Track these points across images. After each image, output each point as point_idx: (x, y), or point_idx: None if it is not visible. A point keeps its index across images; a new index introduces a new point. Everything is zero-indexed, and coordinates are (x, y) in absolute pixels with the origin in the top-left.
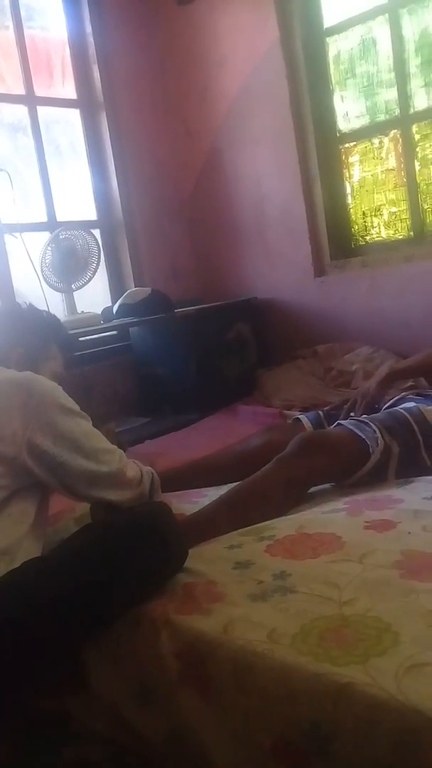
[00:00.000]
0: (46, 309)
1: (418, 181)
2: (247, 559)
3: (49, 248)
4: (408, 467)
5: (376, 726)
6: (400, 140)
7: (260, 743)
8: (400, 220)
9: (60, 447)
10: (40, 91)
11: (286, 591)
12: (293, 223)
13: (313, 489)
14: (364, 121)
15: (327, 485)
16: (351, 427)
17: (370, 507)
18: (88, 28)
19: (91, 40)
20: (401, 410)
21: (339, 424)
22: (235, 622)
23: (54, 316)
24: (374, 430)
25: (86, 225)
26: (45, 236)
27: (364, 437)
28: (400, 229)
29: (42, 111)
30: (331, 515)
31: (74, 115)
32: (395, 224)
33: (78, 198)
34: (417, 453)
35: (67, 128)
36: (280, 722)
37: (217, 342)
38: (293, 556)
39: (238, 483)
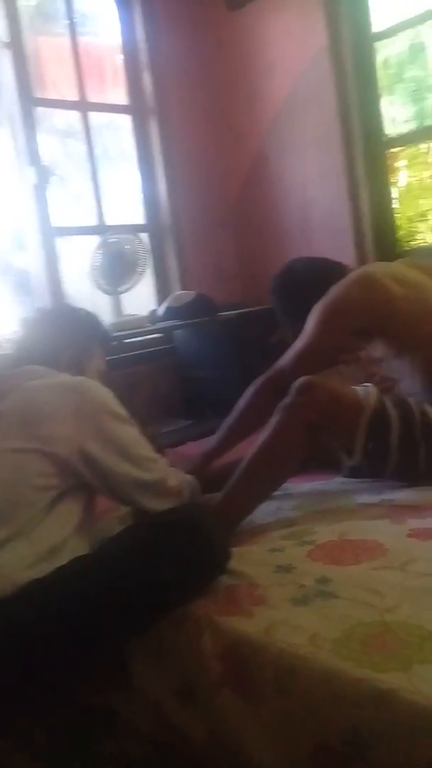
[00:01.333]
0: (89, 310)
1: None
2: (288, 563)
3: (99, 252)
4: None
5: (416, 733)
6: None
7: (300, 746)
8: None
9: (108, 452)
10: (92, 97)
11: (328, 596)
12: (338, 228)
13: (355, 494)
14: (412, 125)
15: (365, 485)
16: None
17: (414, 515)
18: (141, 35)
19: (143, 46)
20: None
21: None
22: (277, 625)
23: (92, 313)
24: (368, 387)
25: (134, 229)
26: (95, 240)
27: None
28: None
29: (93, 116)
30: (374, 522)
31: (125, 121)
32: None
33: (127, 202)
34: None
35: (117, 133)
36: (320, 726)
37: (260, 345)
38: (335, 561)
39: (250, 450)
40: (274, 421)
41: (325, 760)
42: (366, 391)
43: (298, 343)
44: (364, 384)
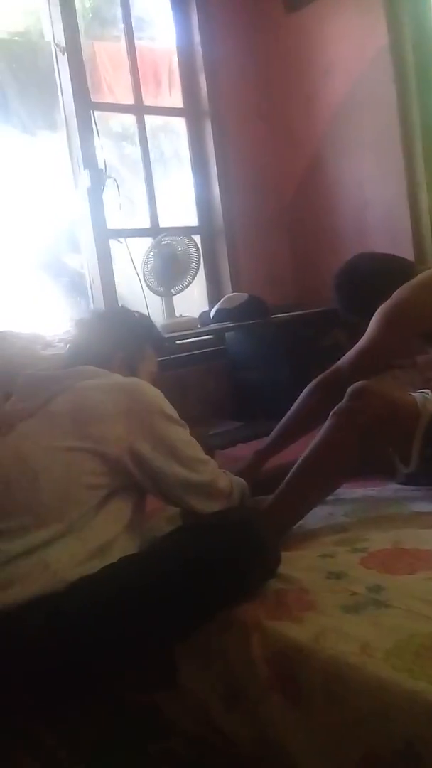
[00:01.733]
0: (142, 312)
1: None
2: (340, 569)
3: (151, 253)
4: None
5: None
6: None
7: (349, 756)
8: None
9: (158, 453)
10: (148, 101)
11: (381, 605)
12: (396, 230)
13: (410, 502)
14: None
15: (421, 492)
16: None
17: None
18: (197, 38)
19: (198, 49)
20: None
21: None
22: (327, 632)
23: (146, 316)
24: (425, 393)
25: (187, 231)
26: (148, 242)
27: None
28: None
29: (149, 120)
30: (429, 531)
31: (180, 124)
32: None
33: (181, 204)
34: None
35: (172, 136)
36: (370, 737)
37: (312, 348)
38: (389, 570)
39: (303, 454)
40: (327, 425)
41: None
42: (423, 396)
43: (360, 343)
44: (422, 390)
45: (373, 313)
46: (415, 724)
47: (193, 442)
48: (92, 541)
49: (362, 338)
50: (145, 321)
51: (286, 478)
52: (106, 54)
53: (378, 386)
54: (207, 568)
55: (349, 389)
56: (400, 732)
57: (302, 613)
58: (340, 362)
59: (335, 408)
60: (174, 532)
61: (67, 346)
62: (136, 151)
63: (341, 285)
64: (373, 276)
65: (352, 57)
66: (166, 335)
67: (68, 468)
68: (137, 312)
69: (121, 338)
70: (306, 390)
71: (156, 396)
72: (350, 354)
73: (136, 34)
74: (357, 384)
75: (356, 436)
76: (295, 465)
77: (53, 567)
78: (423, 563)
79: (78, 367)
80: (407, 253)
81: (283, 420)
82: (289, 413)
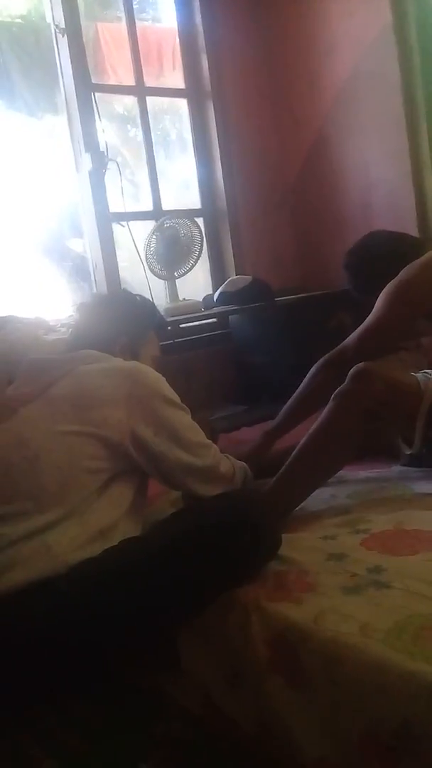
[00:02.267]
0: (144, 295)
1: None
2: (341, 551)
3: (154, 236)
4: None
5: None
6: None
7: (348, 735)
8: None
9: (159, 437)
10: (150, 82)
11: (381, 586)
12: (401, 212)
13: (413, 484)
14: None
15: (423, 474)
16: None
17: None
18: (198, 18)
19: (200, 29)
20: None
21: None
22: (326, 613)
23: (148, 300)
24: (428, 374)
25: (190, 214)
26: (150, 225)
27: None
28: None
29: (150, 101)
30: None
31: (182, 105)
32: None
33: (183, 187)
34: None
35: (174, 118)
36: (369, 717)
37: (317, 331)
38: (390, 551)
39: (304, 437)
40: (329, 407)
41: (374, 751)
42: (426, 376)
43: (366, 322)
44: (425, 371)
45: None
46: (412, 704)
47: (194, 427)
48: (93, 524)
49: (368, 317)
50: (146, 304)
51: (288, 461)
52: (109, 35)
53: (380, 368)
54: (206, 550)
55: (351, 371)
56: (398, 712)
57: (302, 594)
58: (346, 341)
59: (337, 390)
60: (173, 516)
61: (69, 330)
62: (138, 134)
63: (352, 263)
64: (384, 255)
65: (356, 36)
66: (170, 319)
67: (69, 452)
68: (139, 295)
69: (122, 322)
70: (312, 369)
71: (157, 380)
72: (356, 332)
73: (139, 15)
74: (359, 366)
75: (358, 419)
76: (297, 447)
77: (54, 550)
78: (424, 544)
79: (80, 351)
80: (411, 233)
81: (290, 400)
82: (296, 393)
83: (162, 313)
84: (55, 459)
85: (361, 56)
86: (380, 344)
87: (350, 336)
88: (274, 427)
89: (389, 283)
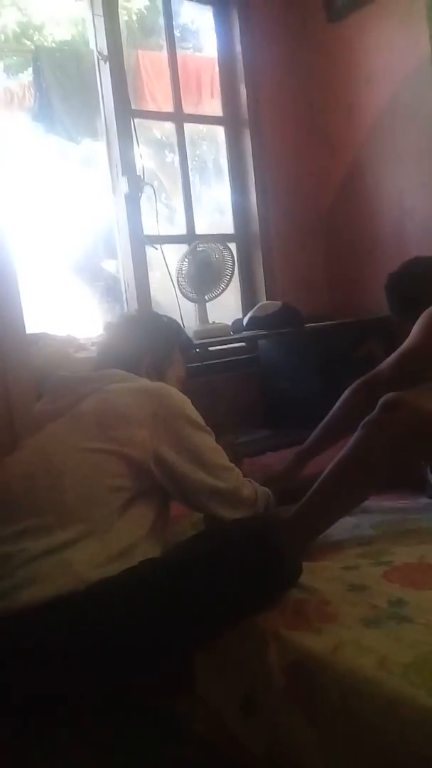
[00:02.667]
0: (174, 317)
1: None
2: (362, 582)
3: (186, 259)
4: None
5: None
6: None
7: None
8: None
9: (182, 458)
10: (189, 109)
11: (402, 620)
12: None
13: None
14: None
15: None
16: None
17: None
18: (238, 47)
19: (239, 58)
20: None
21: None
22: (345, 644)
23: (174, 320)
24: None
25: (223, 238)
26: (184, 248)
27: None
28: None
29: (188, 128)
30: None
31: (219, 132)
32: None
33: (218, 212)
34: None
35: (211, 145)
36: (386, 753)
37: (345, 359)
38: (412, 585)
39: (330, 465)
40: (357, 436)
41: None
42: None
43: (402, 346)
44: None
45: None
46: (430, 742)
47: (218, 449)
48: (114, 544)
49: (405, 341)
50: (173, 325)
51: (313, 488)
52: (149, 62)
53: (410, 397)
54: (226, 575)
55: (382, 400)
56: (415, 749)
57: (322, 624)
58: (381, 365)
59: (365, 419)
60: (192, 540)
61: (98, 349)
62: (176, 159)
63: (393, 285)
64: (425, 278)
65: (394, 67)
66: (199, 342)
67: (92, 469)
68: (166, 316)
69: (149, 342)
70: (347, 392)
71: (183, 401)
72: (392, 357)
73: (181, 44)
74: (389, 395)
75: (386, 449)
76: (322, 475)
77: (74, 567)
78: None
79: (107, 370)
80: None
81: (324, 421)
82: (329, 415)
83: (191, 336)
84: (78, 475)
85: (399, 87)
86: (416, 369)
87: (386, 360)
88: (305, 449)
89: (428, 309)
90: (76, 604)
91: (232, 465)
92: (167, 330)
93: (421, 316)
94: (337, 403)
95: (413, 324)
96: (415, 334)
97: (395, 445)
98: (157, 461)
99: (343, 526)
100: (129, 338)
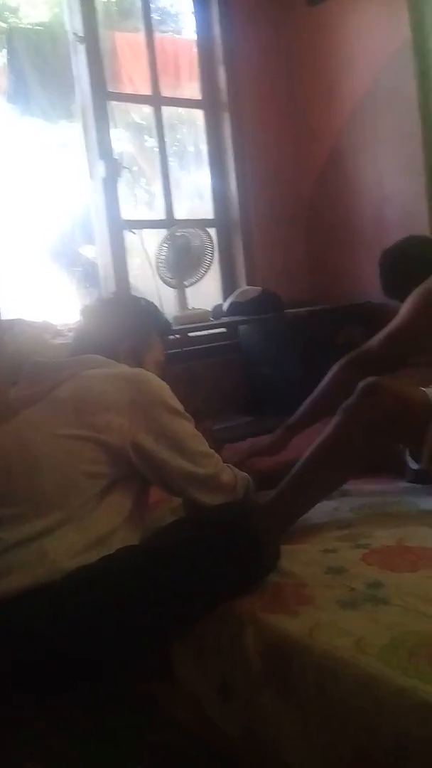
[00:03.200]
0: (149, 301)
1: None
2: (340, 565)
3: (165, 245)
4: None
5: None
6: None
7: (339, 752)
8: None
9: (161, 445)
10: (167, 92)
11: (379, 601)
12: (415, 227)
13: (418, 500)
14: None
15: (428, 490)
16: None
17: None
18: (217, 30)
19: (218, 41)
20: None
21: None
22: (322, 626)
23: (152, 303)
24: None
25: (202, 224)
26: (162, 233)
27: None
28: None
29: (168, 113)
30: None
31: (199, 116)
32: None
33: (198, 197)
34: None
35: (191, 129)
36: (361, 733)
37: (325, 345)
38: (390, 567)
39: (309, 448)
40: (336, 421)
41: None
42: None
43: (390, 325)
44: None
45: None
46: (405, 722)
47: (197, 435)
48: (92, 531)
49: (393, 320)
50: (151, 308)
51: (292, 472)
52: (127, 44)
53: (389, 383)
54: (204, 562)
55: (360, 385)
56: (390, 730)
57: (298, 606)
58: (370, 342)
59: (344, 404)
60: (171, 527)
61: (74, 334)
62: (154, 143)
63: (386, 262)
64: (418, 256)
65: (374, 51)
66: (178, 327)
67: (68, 455)
68: (143, 299)
69: (127, 326)
70: (335, 367)
71: (161, 388)
72: (380, 335)
73: (159, 27)
74: (368, 380)
75: (364, 433)
76: (302, 458)
77: (51, 556)
78: (426, 561)
79: (84, 356)
80: None
81: (311, 396)
82: (317, 390)
83: (170, 320)
84: (54, 462)
85: (379, 71)
86: (404, 348)
87: (374, 337)
88: (295, 422)
89: (416, 289)
90: (53, 593)
91: (212, 451)
92: (145, 314)
93: (411, 294)
94: (325, 379)
95: (403, 302)
96: (404, 312)
97: (374, 430)
98: (136, 448)
99: (323, 510)
100: (106, 322)
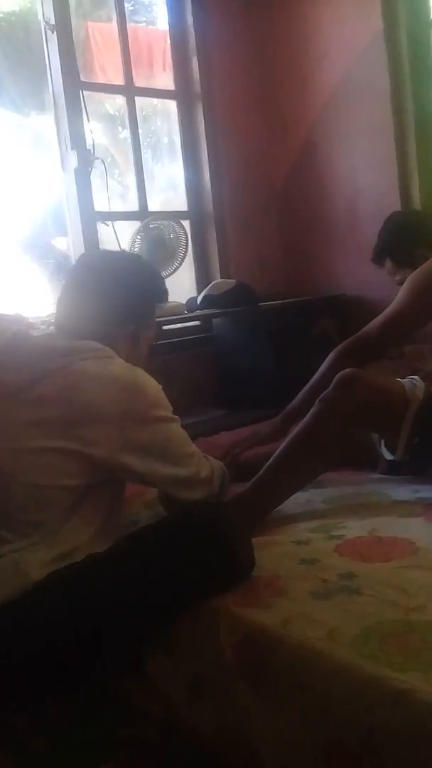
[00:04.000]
0: (148, 264)
1: None
2: (313, 556)
3: (138, 237)
4: None
5: None
6: None
7: (313, 742)
8: None
9: (148, 459)
10: (140, 83)
11: (351, 592)
12: None
13: (390, 491)
14: None
15: (401, 481)
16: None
17: None
18: (189, 20)
19: (191, 31)
20: None
21: None
22: (295, 617)
23: (156, 271)
24: (414, 380)
25: (176, 215)
26: (136, 225)
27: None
28: None
29: (143, 103)
30: (407, 520)
31: (173, 108)
32: None
33: (172, 189)
34: None
35: (165, 121)
36: (335, 723)
37: (300, 337)
38: (363, 558)
39: (285, 441)
40: (312, 412)
41: (339, 758)
42: (412, 383)
43: (389, 309)
44: (411, 377)
45: (405, 260)
46: (377, 711)
47: (183, 437)
48: (64, 544)
49: (392, 303)
50: (156, 279)
51: (267, 464)
52: (99, 34)
53: (366, 374)
54: (174, 571)
55: (337, 377)
56: (363, 718)
57: (271, 599)
58: (366, 329)
59: (321, 395)
60: (141, 533)
61: (57, 312)
62: (127, 134)
63: (388, 225)
64: (422, 227)
65: (347, 43)
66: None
67: (46, 471)
68: (149, 264)
69: (131, 306)
70: (332, 354)
71: (156, 396)
72: (378, 320)
73: (133, 17)
74: (345, 371)
75: (339, 425)
76: (277, 451)
77: (22, 568)
78: (398, 551)
79: (81, 343)
80: None
81: (309, 383)
82: (314, 377)
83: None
84: (31, 479)
85: (352, 63)
86: (404, 331)
87: (370, 324)
88: (292, 410)
89: (414, 272)
90: (23, 601)
91: (194, 449)
92: (150, 288)
93: (408, 278)
94: (322, 366)
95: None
96: (403, 296)
97: (348, 422)
98: (121, 461)
99: (296, 501)
100: (105, 301)
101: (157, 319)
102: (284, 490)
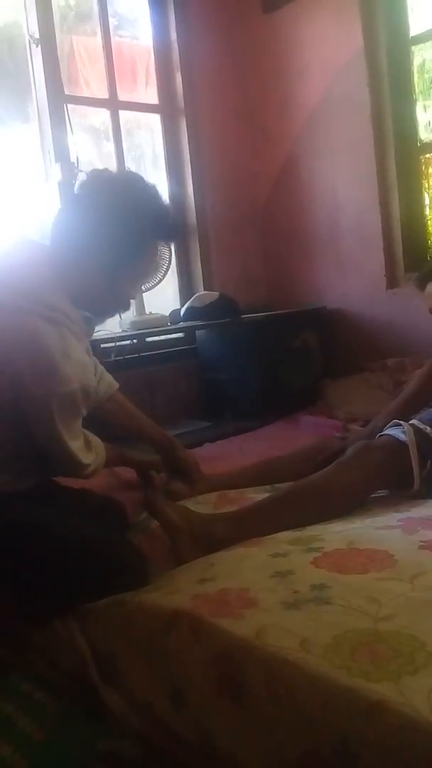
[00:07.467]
0: (147, 182)
1: None
2: (288, 569)
3: None
4: None
5: (405, 746)
6: None
7: (288, 754)
8: None
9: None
10: (124, 97)
11: (321, 602)
12: (367, 233)
13: (369, 503)
14: None
15: (384, 494)
16: (389, 432)
17: (426, 526)
18: (173, 35)
19: (175, 46)
20: None
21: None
22: (267, 628)
23: (162, 201)
24: (402, 426)
25: None
26: None
27: (397, 436)
28: None
29: (127, 117)
30: (385, 532)
31: (157, 122)
32: None
33: None
34: None
35: (149, 135)
36: (309, 734)
37: (282, 350)
38: (339, 570)
39: (294, 483)
40: (328, 469)
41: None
42: (400, 431)
43: None
44: (397, 421)
45: None
46: (351, 720)
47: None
48: None
49: None
50: (157, 205)
51: (277, 493)
52: (84, 48)
53: (375, 442)
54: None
55: (354, 445)
56: (337, 729)
57: (243, 610)
58: None
59: (340, 459)
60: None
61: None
62: (111, 148)
63: None
64: None
65: (328, 59)
66: (136, 332)
67: None
68: (150, 185)
69: (113, 234)
70: (425, 366)
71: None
72: None
73: (118, 32)
74: (361, 441)
75: (343, 489)
76: (279, 491)
77: None
78: (376, 564)
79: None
80: (378, 257)
81: (402, 394)
82: (408, 388)
83: (127, 327)
84: None
85: (333, 79)
86: None
87: None
88: (392, 411)
89: None
90: None
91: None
92: (145, 215)
93: None
94: (416, 376)
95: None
96: None
97: (360, 486)
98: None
99: None
100: (83, 225)
101: (141, 332)
102: (278, 525)
